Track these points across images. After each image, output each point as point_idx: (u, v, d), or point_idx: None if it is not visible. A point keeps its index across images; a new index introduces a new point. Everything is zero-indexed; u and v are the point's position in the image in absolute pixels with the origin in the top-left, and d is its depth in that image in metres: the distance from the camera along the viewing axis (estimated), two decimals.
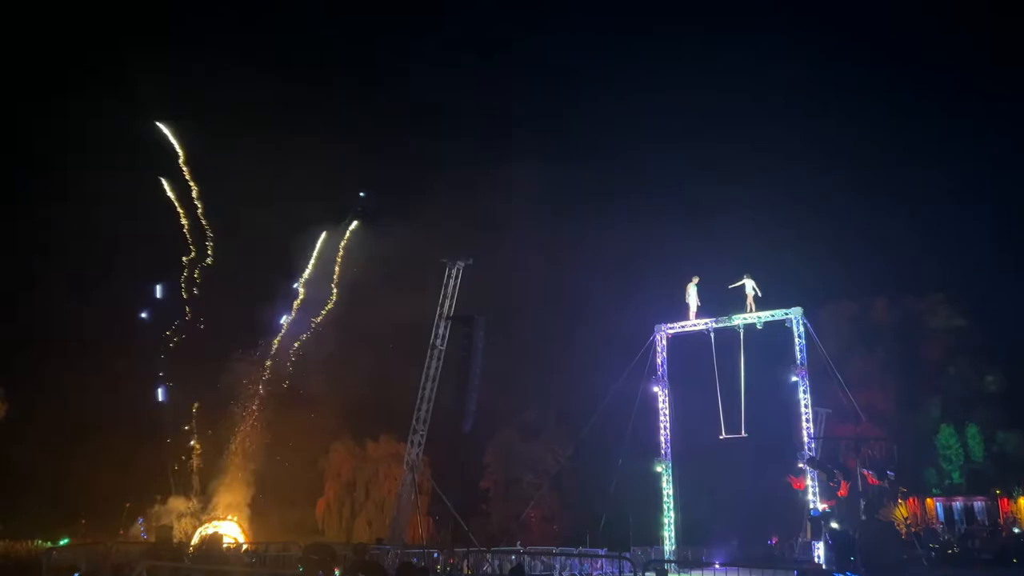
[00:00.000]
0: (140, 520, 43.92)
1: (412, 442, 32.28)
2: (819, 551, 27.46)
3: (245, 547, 39.25)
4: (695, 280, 32.10)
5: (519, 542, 35.40)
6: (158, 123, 47.88)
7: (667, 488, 31.79)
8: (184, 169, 48.74)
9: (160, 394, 47.05)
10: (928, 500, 36.83)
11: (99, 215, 47.16)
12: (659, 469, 32.06)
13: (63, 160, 48.96)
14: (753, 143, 55.27)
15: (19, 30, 49.90)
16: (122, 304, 48.12)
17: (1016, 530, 33.68)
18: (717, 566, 27.22)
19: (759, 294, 30.88)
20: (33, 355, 44.59)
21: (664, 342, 32.97)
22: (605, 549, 33.04)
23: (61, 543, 39.09)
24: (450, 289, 32.60)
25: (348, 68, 59.43)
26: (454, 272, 32.76)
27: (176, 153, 48.37)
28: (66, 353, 45.00)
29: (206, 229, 48.84)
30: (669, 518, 31.60)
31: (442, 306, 32.48)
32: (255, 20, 58.84)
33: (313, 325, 48.64)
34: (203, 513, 42.00)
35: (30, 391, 41.49)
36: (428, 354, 32.20)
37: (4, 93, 48.85)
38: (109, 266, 48.49)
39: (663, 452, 32.14)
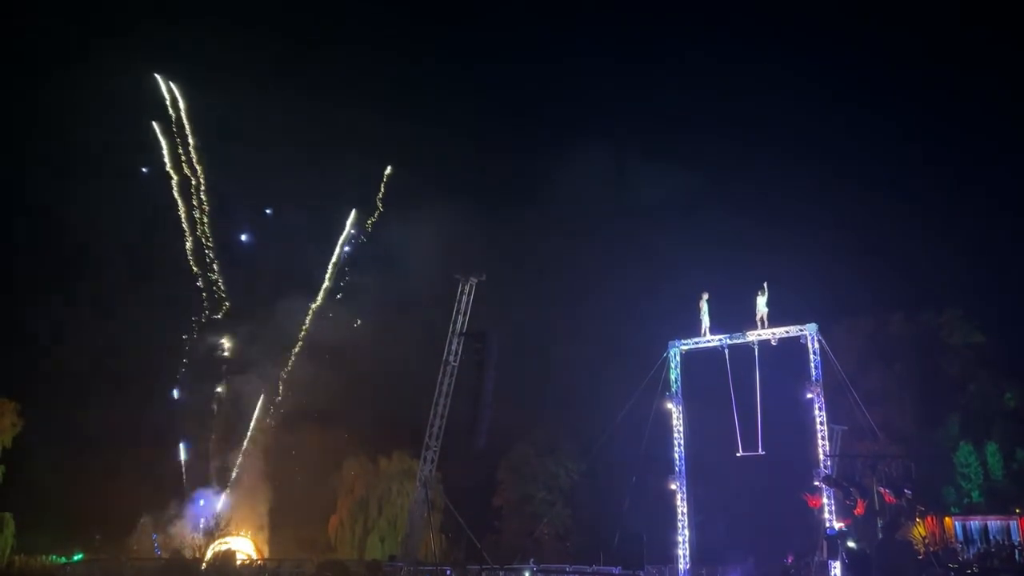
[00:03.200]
0: (154, 536, 44.04)
1: (425, 458, 32.22)
2: (836, 570, 27.16)
3: (259, 563, 39.36)
4: (705, 296, 32.03)
5: (532, 559, 35.22)
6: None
7: (681, 505, 31.56)
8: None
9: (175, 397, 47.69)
10: (947, 519, 36.31)
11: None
12: (673, 486, 31.85)
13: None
14: (767, 159, 55.15)
15: None
16: (135, 316, 48.69)
17: None
18: None
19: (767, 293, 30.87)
20: (47, 372, 44.94)
21: (678, 358, 32.86)
22: (619, 567, 32.82)
23: (75, 558, 39.28)
24: (463, 305, 32.62)
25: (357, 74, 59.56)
26: (467, 288, 32.80)
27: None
28: (79, 369, 45.36)
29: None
30: (684, 536, 31.36)
31: (455, 322, 32.50)
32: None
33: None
34: (216, 529, 42.06)
35: (44, 408, 41.69)
36: (441, 370, 32.21)
37: None
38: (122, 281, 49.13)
39: (677, 469, 31.94)
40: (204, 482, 46.57)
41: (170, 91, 52.23)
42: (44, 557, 39.65)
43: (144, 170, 52.42)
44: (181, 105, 51.89)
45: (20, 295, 47.59)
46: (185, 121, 51.91)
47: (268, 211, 54.90)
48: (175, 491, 46.05)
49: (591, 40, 64.99)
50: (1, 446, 38.51)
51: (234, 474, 46.91)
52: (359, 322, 50.28)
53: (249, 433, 48.62)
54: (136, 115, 51.43)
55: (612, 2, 68.59)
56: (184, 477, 47.39)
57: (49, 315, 47.35)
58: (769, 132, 55.37)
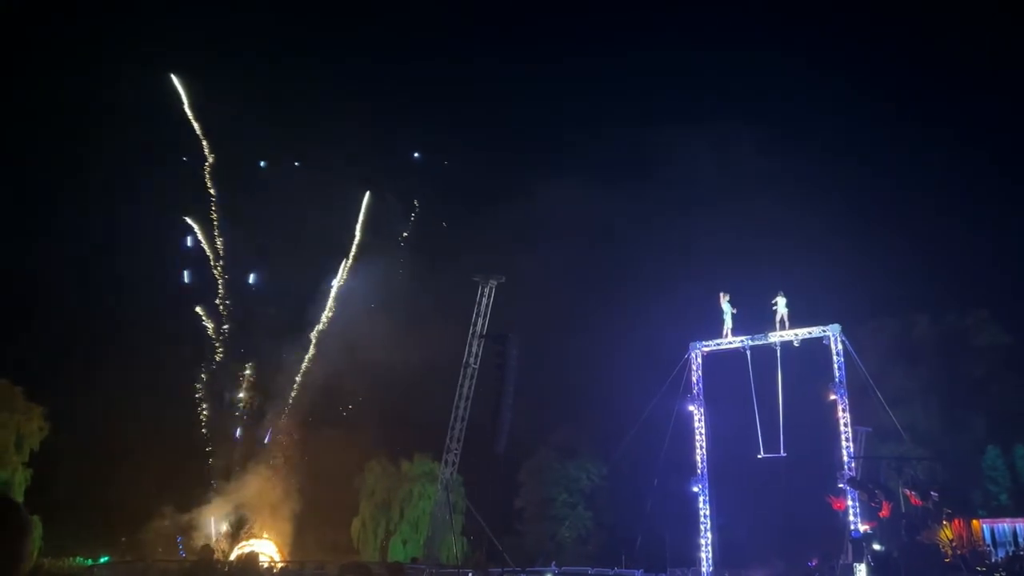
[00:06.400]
0: (179, 538, 44.41)
1: (446, 461, 32.31)
2: (861, 573, 26.87)
3: (281, 565, 39.59)
4: (725, 298, 31.85)
5: (553, 562, 35.16)
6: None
7: (704, 508, 31.39)
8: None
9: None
10: (974, 522, 35.81)
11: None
12: (695, 489, 31.68)
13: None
14: (788, 158, 54.70)
15: None
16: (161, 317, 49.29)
17: None
18: None
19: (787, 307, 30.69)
20: (74, 374, 45.46)
21: (699, 360, 32.69)
22: (641, 570, 32.70)
23: (101, 560, 39.69)
24: (483, 307, 32.68)
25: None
26: (487, 290, 32.84)
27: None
28: (106, 372, 45.86)
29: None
30: (706, 539, 31.19)
31: (475, 324, 32.56)
32: None
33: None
34: (240, 531, 42.34)
35: (71, 410, 42.19)
36: (461, 372, 32.25)
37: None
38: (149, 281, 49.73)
39: (699, 471, 31.77)
40: (229, 484, 46.89)
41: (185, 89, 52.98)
42: (71, 559, 40.11)
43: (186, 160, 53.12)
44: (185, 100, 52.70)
45: (47, 299, 48.17)
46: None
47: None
48: (200, 493, 46.42)
49: (610, 38, 64.88)
50: (29, 450, 38.99)
51: (257, 477, 47.18)
52: (379, 324, 50.45)
53: (272, 436, 48.95)
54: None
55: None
56: (209, 480, 47.78)
57: (76, 319, 47.91)
58: (791, 131, 54.99)
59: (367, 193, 54.22)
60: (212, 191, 52.52)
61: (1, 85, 48.56)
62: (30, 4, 50.55)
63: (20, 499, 38.62)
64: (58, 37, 50.80)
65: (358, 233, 53.61)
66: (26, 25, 50.27)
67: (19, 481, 38.14)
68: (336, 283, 52.08)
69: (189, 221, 51.64)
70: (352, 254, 52.93)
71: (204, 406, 49.79)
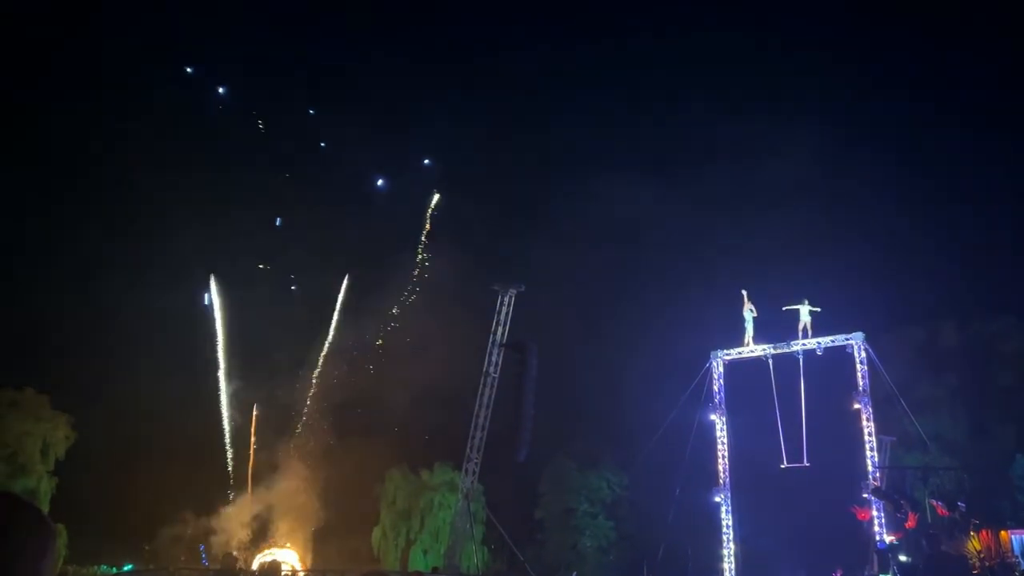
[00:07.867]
0: (201, 547, 44.64)
1: (467, 470, 32.21)
2: None
3: (302, 574, 39.68)
4: (748, 304, 31.59)
5: (574, 573, 34.97)
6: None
7: (726, 518, 31.13)
8: None
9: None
10: (1002, 532, 35.20)
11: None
12: (718, 499, 31.42)
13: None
14: (810, 162, 54.28)
15: None
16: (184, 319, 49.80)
17: None
18: None
19: (816, 309, 30.34)
20: (100, 382, 45.91)
21: (720, 368, 32.48)
22: None
23: (125, 568, 39.98)
24: (502, 316, 32.60)
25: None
26: (506, 299, 32.79)
27: None
28: (132, 379, 46.27)
29: None
30: (729, 549, 30.91)
31: (495, 333, 32.48)
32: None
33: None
34: (262, 539, 42.47)
35: (97, 418, 42.60)
36: (481, 381, 32.19)
37: None
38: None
39: (721, 481, 31.52)
40: (251, 492, 47.14)
41: None
42: (95, 567, 40.44)
43: None
44: None
45: (73, 307, 48.74)
46: None
47: None
48: (222, 501, 46.66)
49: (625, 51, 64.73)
50: (54, 458, 39.39)
51: (279, 485, 47.38)
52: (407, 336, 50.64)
53: (292, 445, 49.14)
54: None
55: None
56: (230, 488, 48.03)
57: (102, 327, 48.42)
58: (811, 134, 54.52)
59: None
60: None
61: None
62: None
63: (45, 507, 39.02)
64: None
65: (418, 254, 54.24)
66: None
67: (44, 489, 38.55)
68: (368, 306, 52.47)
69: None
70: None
71: (227, 413, 50.07)
